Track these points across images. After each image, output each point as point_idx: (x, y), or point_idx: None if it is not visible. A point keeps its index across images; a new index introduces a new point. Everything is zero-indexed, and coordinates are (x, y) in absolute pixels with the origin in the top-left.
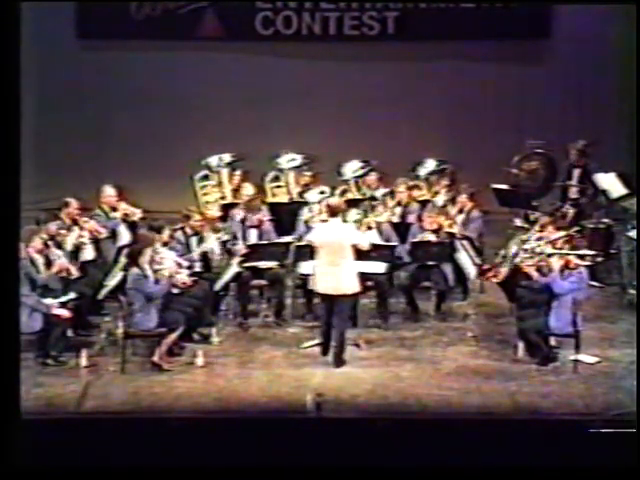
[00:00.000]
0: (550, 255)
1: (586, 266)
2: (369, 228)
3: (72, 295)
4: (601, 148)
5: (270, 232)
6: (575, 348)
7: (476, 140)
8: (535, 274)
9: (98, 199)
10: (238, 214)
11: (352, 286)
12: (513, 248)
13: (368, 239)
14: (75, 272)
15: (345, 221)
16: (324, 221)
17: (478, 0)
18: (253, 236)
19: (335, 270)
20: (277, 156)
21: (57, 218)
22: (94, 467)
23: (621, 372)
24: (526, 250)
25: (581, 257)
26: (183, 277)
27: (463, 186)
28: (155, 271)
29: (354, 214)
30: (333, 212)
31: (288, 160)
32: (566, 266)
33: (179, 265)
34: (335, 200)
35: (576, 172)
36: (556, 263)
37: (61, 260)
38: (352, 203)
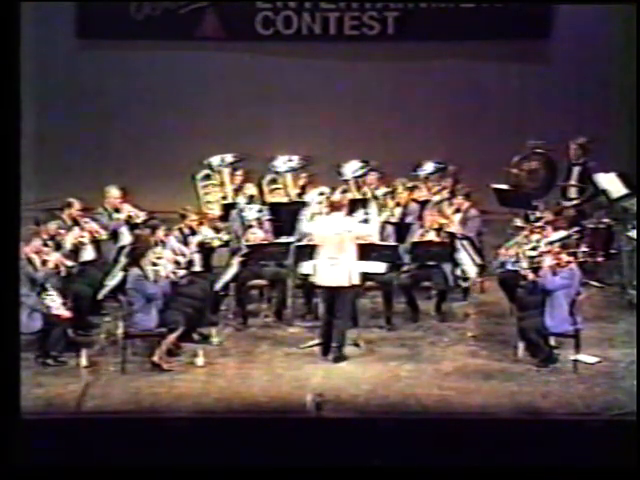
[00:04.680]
0: (541, 254)
1: (578, 263)
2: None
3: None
4: (601, 148)
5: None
6: (575, 348)
7: (476, 140)
8: (529, 273)
9: (102, 199)
10: None
11: (352, 279)
12: (511, 250)
13: (370, 229)
14: (69, 263)
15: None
16: (326, 214)
17: (478, 0)
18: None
19: (336, 263)
20: (273, 158)
21: (57, 218)
22: (94, 467)
23: (621, 372)
24: (524, 251)
25: (573, 254)
26: (179, 272)
27: (458, 187)
28: (155, 271)
29: (362, 214)
30: (334, 208)
31: (285, 162)
32: (557, 264)
33: (176, 264)
34: (337, 196)
35: (576, 170)
36: (547, 261)
37: (55, 255)
38: (353, 203)
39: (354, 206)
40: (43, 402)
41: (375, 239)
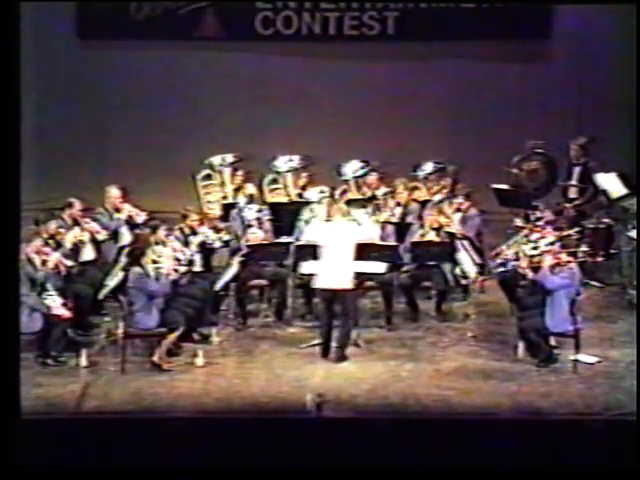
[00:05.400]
0: (541, 253)
1: (578, 262)
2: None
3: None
4: (601, 148)
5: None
6: (575, 348)
7: (476, 140)
8: (529, 273)
9: (102, 199)
10: None
11: (353, 280)
12: (512, 249)
13: (371, 234)
14: (69, 263)
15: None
16: (326, 220)
17: (478, 0)
18: None
19: (337, 266)
20: (274, 158)
21: (57, 218)
22: (94, 467)
23: (621, 372)
24: (524, 251)
25: (572, 254)
26: (180, 269)
27: (458, 187)
28: (156, 269)
29: (361, 214)
30: (334, 214)
31: (285, 162)
32: (557, 264)
33: (177, 261)
34: (337, 205)
35: (576, 170)
36: (547, 261)
37: (55, 256)
38: (353, 203)
39: (354, 206)
40: (43, 402)
41: (375, 239)
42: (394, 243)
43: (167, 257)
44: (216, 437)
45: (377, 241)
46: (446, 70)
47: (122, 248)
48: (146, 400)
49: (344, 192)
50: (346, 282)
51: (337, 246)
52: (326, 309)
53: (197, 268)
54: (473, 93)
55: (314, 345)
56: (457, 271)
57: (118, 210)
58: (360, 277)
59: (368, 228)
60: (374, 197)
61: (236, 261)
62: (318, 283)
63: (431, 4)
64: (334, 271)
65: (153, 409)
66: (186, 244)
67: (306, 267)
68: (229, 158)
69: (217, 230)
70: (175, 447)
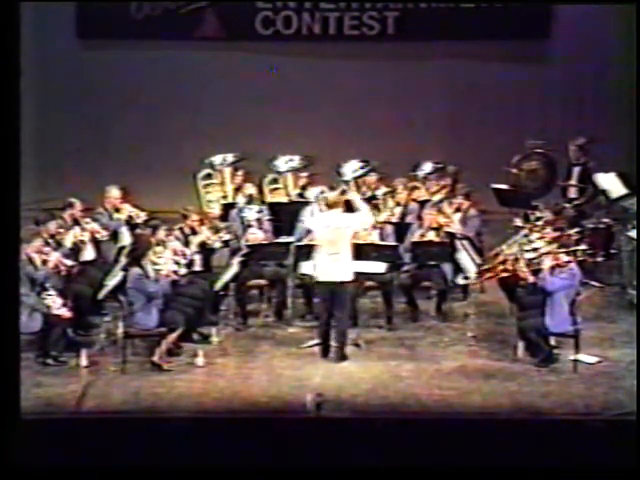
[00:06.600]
0: (541, 254)
1: (577, 262)
2: (374, 228)
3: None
4: (601, 148)
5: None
6: (575, 348)
7: (476, 140)
8: (528, 275)
9: (102, 199)
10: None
11: (352, 273)
12: (512, 249)
13: (367, 218)
14: (69, 263)
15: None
16: (324, 212)
17: (478, 0)
18: None
19: (335, 259)
20: (274, 158)
21: (57, 218)
22: (94, 467)
23: (621, 372)
24: (523, 251)
25: (570, 254)
26: (180, 270)
27: (458, 187)
28: (155, 270)
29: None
30: (332, 206)
31: (286, 162)
32: (557, 265)
33: (177, 265)
34: (333, 195)
35: (576, 170)
36: (547, 262)
37: (55, 256)
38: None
39: (352, 206)
40: (43, 402)
41: (375, 236)
42: (394, 243)
43: (167, 259)
44: (216, 437)
45: (376, 241)
46: (446, 70)
47: (122, 248)
48: (146, 400)
49: (344, 192)
50: (345, 275)
51: (335, 238)
52: (325, 308)
53: (197, 268)
54: (473, 93)
55: (314, 345)
56: (459, 277)
57: (118, 210)
58: (360, 277)
59: (363, 215)
60: (374, 197)
61: (236, 261)
62: (317, 276)
63: (431, 4)
64: (333, 264)
65: (153, 409)
66: (186, 244)
67: (306, 267)
68: (229, 158)
69: (217, 230)
70: (175, 447)
